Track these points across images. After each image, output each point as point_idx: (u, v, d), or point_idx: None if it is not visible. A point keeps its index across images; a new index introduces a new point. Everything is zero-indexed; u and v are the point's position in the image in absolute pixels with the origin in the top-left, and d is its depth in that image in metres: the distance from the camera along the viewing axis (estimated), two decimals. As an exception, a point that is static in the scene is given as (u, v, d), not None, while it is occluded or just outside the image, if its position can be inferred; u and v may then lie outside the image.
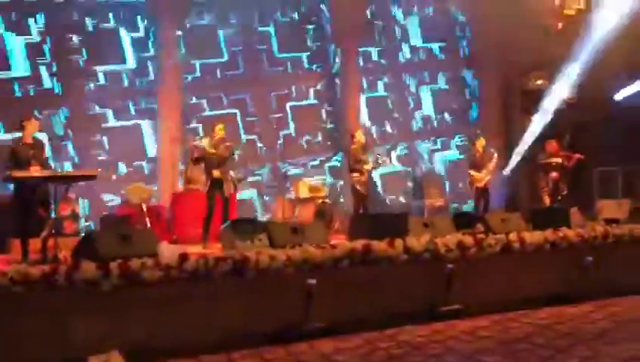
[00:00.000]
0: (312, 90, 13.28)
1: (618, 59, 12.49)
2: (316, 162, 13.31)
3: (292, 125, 13.07)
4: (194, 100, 12.14)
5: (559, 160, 11.16)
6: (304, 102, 13.16)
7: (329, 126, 13.47)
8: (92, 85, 11.38)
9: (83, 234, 7.30)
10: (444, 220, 7.72)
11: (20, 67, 10.93)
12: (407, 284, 6.39)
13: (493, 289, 6.78)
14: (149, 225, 10.00)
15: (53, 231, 6.67)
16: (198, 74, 12.25)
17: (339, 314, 5.91)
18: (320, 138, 13.37)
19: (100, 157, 11.47)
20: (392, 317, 6.11)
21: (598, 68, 12.98)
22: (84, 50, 11.37)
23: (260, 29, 12.69)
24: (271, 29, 12.82)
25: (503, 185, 14.17)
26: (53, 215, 6.86)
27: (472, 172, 10.90)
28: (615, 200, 12.34)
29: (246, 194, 11.99)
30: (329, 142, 13.46)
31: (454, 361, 4.95)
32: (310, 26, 13.30)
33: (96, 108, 11.43)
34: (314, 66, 13.32)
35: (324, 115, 13.47)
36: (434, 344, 5.44)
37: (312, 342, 5.56)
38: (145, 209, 10.31)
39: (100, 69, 11.43)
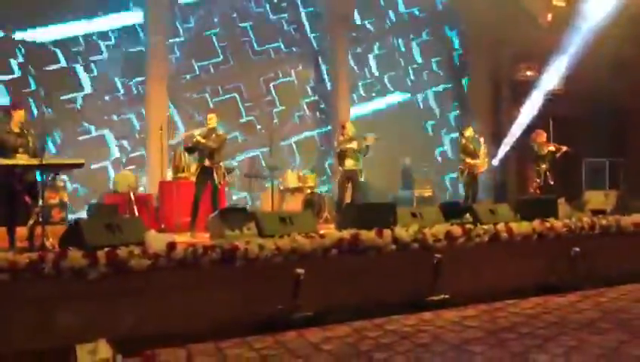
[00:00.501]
0: (293, 71, 14.02)
1: (607, 51, 12.55)
2: (311, 132, 14.16)
3: (280, 103, 13.87)
4: (195, 96, 12.82)
5: (552, 148, 11.20)
6: (287, 80, 13.94)
7: (314, 98, 14.18)
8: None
9: (70, 223, 7.26)
10: (432, 210, 7.75)
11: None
12: (396, 274, 6.41)
13: (480, 279, 6.82)
14: (136, 213, 9.96)
15: (40, 220, 6.64)
16: (197, 72, 12.95)
17: (327, 303, 5.93)
18: (309, 112, 14.20)
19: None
20: (381, 307, 6.13)
21: (587, 59, 13.03)
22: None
23: (241, 24, 13.05)
24: (249, 23, 13.44)
25: (492, 175, 14.24)
26: (40, 203, 6.82)
27: (468, 160, 10.89)
28: (602, 191, 12.43)
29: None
30: (318, 114, 14.26)
31: (442, 350, 4.97)
32: (284, 14, 13.70)
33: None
34: (293, 49, 13.87)
35: (309, 91, 14.15)
36: (422, 333, 5.47)
37: (300, 331, 5.57)
38: (133, 197, 10.27)
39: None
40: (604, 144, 13.73)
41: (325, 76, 14.20)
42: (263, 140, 13.28)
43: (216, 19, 12.97)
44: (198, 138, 8.85)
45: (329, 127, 14.09)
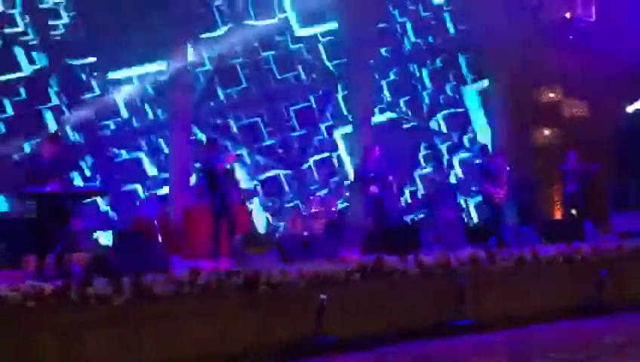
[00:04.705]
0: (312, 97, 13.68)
1: (627, 71, 12.47)
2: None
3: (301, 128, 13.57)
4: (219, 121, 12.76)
5: (577, 168, 11.06)
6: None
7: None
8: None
9: (96, 250, 7.33)
10: (456, 234, 7.69)
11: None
12: (420, 298, 6.36)
13: (506, 303, 6.74)
14: (161, 239, 10.00)
15: (66, 247, 6.69)
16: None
17: (350, 328, 5.88)
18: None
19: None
20: (405, 332, 6.07)
21: (610, 80, 12.94)
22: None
23: (263, 53, 13.14)
24: (271, 52, 13.22)
25: (516, 198, 14.09)
26: (67, 230, 6.88)
27: (487, 186, 10.80)
28: (629, 213, 12.23)
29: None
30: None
31: (468, 376, 4.90)
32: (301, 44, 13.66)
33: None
34: (313, 75, 13.62)
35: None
36: (447, 359, 5.40)
37: (323, 357, 5.53)
38: (157, 223, 10.32)
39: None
40: (631, 165, 13.54)
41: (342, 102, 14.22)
42: (284, 163, 13.44)
43: (239, 48, 13.12)
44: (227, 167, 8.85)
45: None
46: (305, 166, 13.53)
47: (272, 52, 13.46)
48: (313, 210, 12.03)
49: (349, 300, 5.97)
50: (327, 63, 14.07)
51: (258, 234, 10.68)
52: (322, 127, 14.00)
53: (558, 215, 11.29)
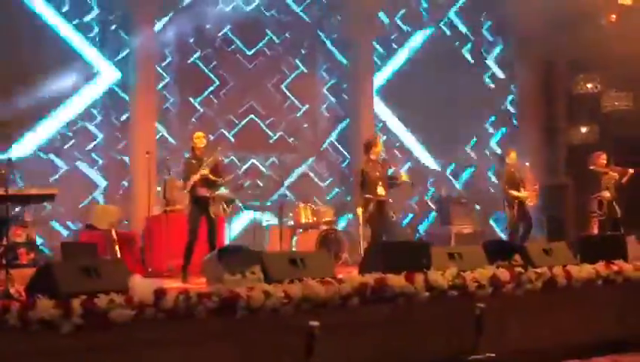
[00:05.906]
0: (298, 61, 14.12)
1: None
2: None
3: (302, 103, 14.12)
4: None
5: (615, 175, 11.14)
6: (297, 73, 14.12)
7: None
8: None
9: (40, 266, 7.30)
10: (474, 250, 7.70)
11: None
12: (430, 327, 6.38)
13: (533, 334, 6.76)
14: (118, 254, 10.01)
15: (4, 261, 6.69)
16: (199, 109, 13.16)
17: (346, 362, 5.90)
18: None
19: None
20: (412, 368, 6.10)
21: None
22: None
23: (219, 34, 13.34)
24: (227, 27, 13.47)
25: (545, 208, 14.15)
26: (4, 242, 6.88)
27: (513, 191, 10.85)
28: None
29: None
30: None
31: (487, 421, 4.92)
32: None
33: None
34: (287, 34, 14.00)
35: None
36: (462, 400, 5.42)
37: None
38: (114, 235, 10.32)
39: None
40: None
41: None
42: (303, 153, 13.83)
43: (192, 40, 13.02)
44: (204, 172, 8.86)
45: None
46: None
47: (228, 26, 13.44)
48: (304, 221, 12.06)
49: (345, 328, 5.99)
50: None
51: (238, 247, 10.67)
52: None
53: (594, 229, 11.35)
